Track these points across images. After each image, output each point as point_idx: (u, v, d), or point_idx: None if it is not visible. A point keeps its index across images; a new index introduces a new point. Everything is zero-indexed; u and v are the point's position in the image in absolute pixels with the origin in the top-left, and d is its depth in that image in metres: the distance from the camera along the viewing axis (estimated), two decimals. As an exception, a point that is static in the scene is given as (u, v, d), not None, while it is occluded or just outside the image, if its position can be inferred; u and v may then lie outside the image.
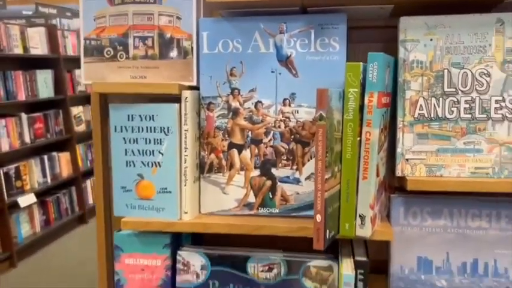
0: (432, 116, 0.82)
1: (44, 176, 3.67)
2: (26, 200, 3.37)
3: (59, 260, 3.32)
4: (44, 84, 3.66)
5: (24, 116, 3.44)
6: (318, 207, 0.71)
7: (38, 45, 3.62)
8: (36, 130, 3.58)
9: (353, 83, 0.75)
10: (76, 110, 4.10)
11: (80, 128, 4.16)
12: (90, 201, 4.22)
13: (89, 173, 4.23)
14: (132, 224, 0.89)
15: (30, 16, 4.47)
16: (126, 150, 0.89)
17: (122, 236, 0.92)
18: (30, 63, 3.57)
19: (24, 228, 3.41)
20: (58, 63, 3.80)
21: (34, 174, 3.55)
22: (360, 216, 0.77)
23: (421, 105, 0.82)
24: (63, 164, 3.89)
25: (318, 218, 0.71)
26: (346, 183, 0.77)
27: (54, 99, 3.79)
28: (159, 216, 0.89)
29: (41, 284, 2.95)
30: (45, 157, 3.68)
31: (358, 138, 0.76)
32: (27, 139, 3.47)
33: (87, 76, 0.91)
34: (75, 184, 4.02)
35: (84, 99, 4.29)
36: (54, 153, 3.79)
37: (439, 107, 0.81)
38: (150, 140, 0.88)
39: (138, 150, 0.88)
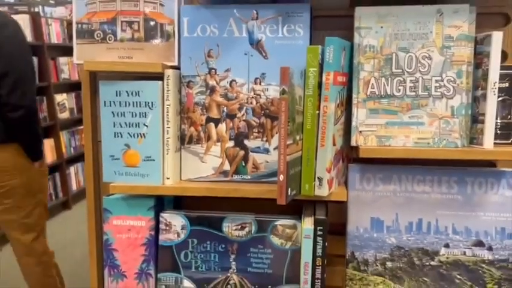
0: (382, 93, 0.95)
1: (28, 161, 3.73)
2: (11, 184, 3.42)
3: (44, 244, 3.39)
4: (28, 70, 3.70)
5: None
6: (281, 169, 0.83)
7: (22, 33, 3.66)
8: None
9: (312, 63, 0.87)
10: (60, 98, 4.16)
11: (64, 115, 4.22)
12: (74, 187, 4.29)
13: (72, 160, 4.30)
14: (120, 188, 1.00)
15: (13, 4, 4.49)
16: (114, 122, 1.00)
17: (111, 200, 1.03)
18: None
19: (9, 213, 3.47)
20: (42, 51, 3.85)
21: (18, 159, 3.60)
22: (318, 178, 0.90)
23: (372, 84, 0.94)
24: (47, 150, 3.95)
25: (281, 177, 0.83)
26: (307, 150, 0.89)
27: (38, 86, 3.83)
28: (144, 181, 1.00)
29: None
30: (30, 143, 3.74)
31: (317, 112, 0.88)
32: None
33: (79, 56, 1.01)
34: (59, 170, 4.09)
35: (68, 87, 4.35)
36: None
37: (388, 85, 0.94)
38: (136, 114, 0.99)
39: (125, 123, 0.99)
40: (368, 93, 0.95)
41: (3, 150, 1.93)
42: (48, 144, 3.96)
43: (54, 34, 4.16)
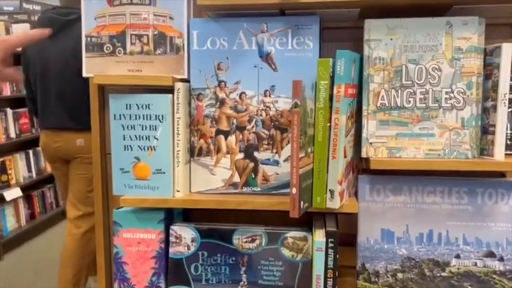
0: (392, 105, 0.95)
1: (29, 170, 3.72)
2: (12, 193, 3.42)
3: (44, 253, 3.38)
4: (30, 79, 3.70)
5: (9, 111, 3.49)
6: (294, 181, 0.83)
7: (23, 41, 3.66)
8: (22, 125, 3.64)
9: (323, 76, 0.87)
10: (60, 106, 4.14)
11: (65, 123, 4.21)
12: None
13: (73, 168, 4.28)
14: (130, 201, 1.00)
15: (12, 12, 4.49)
16: (124, 136, 1.00)
17: (121, 213, 1.03)
18: (14, 59, 3.60)
19: (10, 222, 3.46)
20: (43, 59, 3.84)
21: (19, 168, 3.60)
22: (329, 190, 0.90)
23: (382, 96, 0.95)
24: (49, 159, 3.94)
25: (294, 190, 0.83)
26: (318, 162, 0.89)
27: (39, 94, 3.83)
28: (154, 194, 1.00)
29: (27, 276, 3.01)
30: (30, 152, 3.74)
31: (328, 124, 0.89)
32: (12, 134, 3.53)
33: (89, 70, 1.01)
34: (60, 179, 4.08)
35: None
36: (39, 148, 3.83)
37: (398, 97, 0.94)
38: (146, 127, 0.99)
39: (135, 136, 0.99)
40: (378, 105, 0.95)
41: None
42: (49, 153, 3.95)
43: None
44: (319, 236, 0.93)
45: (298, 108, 0.82)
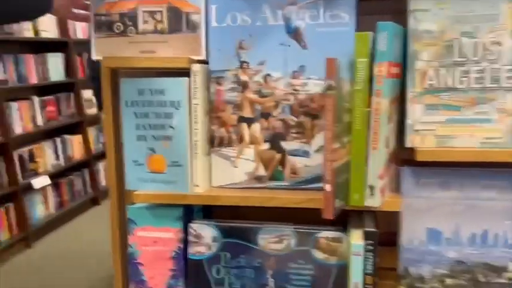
0: (442, 86, 0.81)
1: (57, 158, 3.72)
2: (40, 182, 3.42)
3: (73, 241, 3.39)
4: (55, 67, 3.68)
5: (36, 99, 3.48)
6: (327, 177, 0.71)
7: (48, 29, 3.63)
8: (49, 113, 3.62)
9: (362, 52, 0.75)
10: (87, 94, 4.13)
11: (91, 111, 4.20)
12: (103, 183, 4.27)
13: (100, 156, 4.28)
14: (145, 196, 0.90)
15: (39, 0, 4.47)
16: (137, 124, 0.90)
17: (135, 209, 0.94)
18: (40, 47, 3.60)
19: (39, 210, 3.47)
20: (68, 47, 3.81)
21: (47, 156, 3.60)
22: (369, 186, 0.78)
23: (430, 76, 0.81)
24: (76, 146, 3.94)
25: (327, 187, 0.72)
26: (356, 154, 0.77)
27: (65, 82, 3.81)
28: (170, 189, 0.90)
29: (56, 264, 3.02)
30: (58, 140, 3.73)
31: (368, 109, 0.76)
32: (39, 122, 3.52)
33: (98, 51, 0.91)
34: (88, 166, 4.08)
35: (95, 83, 4.31)
36: (67, 136, 3.83)
37: (449, 77, 0.81)
38: (160, 114, 0.89)
39: (149, 125, 0.89)
40: (425, 86, 0.82)
41: None
42: (76, 141, 3.95)
43: (80, 30, 4.12)
44: (356, 238, 0.81)
45: (332, 91, 0.70)
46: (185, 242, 0.93)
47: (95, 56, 0.91)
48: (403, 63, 0.84)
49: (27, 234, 3.24)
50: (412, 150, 0.85)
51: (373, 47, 0.75)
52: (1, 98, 3.07)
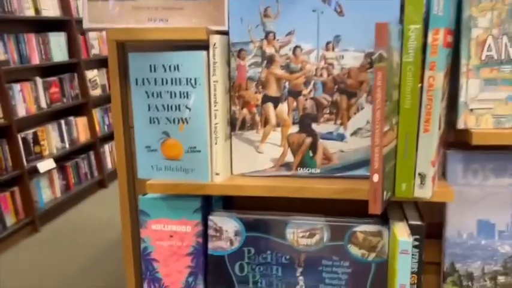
0: (503, 57, 0.70)
1: (62, 141, 3.63)
2: (45, 165, 3.35)
3: (80, 224, 3.32)
4: (58, 47, 3.56)
5: (39, 80, 3.37)
6: (376, 165, 0.61)
7: (49, 7, 3.50)
8: (52, 94, 3.52)
9: (414, 18, 0.63)
10: (91, 74, 4.02)
11: (96, 92, 4.09)
12: (109, 165, 4.20)
13: (106, 138, 4.19)
14: (159, 186, 0.80)
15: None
16: (149, 105, 0.79)
17: (148, 200, 0.84)
18: (42, 26, 3.47)
19: (45, 193, 3.41)
20: (71, 26, 3.69)
21: (52, 139, 3.51)
22: (419, 174, 0.67)
23: (489, 46, 0.70)
24: (81, 128, 3.85)
25: (375, 177, 0.61)
26: (405, 137, 0.66)
27: (69, 62, 3.70)
28: (188, 178, 0.80)
29: (64, 248, 2.96)
30: (62, 122, 3.64)
31: (420, 85, 0.65)
32: (43, 104, 3.42)
33: (92, 18, 0.78)
34: (94, 149, 3.99)
35: (99, 63, 4.20)
36: (71, 118, 3.74)
37: (511, 47, 0.69)
38: (175, 94, 0.78)
39: (163, 106, 0.79)
40: (483, 58, 0.70)
41: None
42: (81, 123, 3.85)
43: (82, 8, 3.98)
44: (402, 233, 0.71)
45: (383, 63, 0.58)
46: (204, 236, 0.84)
47: (87, 24, 0.79)
48: (456, 32, 0.72)
49: (34, 218, 3.18)
50: (462, 132, 0.74)
51: (427, 11, 0.64)
52: (3, 79, 2.96)
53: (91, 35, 4.03)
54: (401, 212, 0.79)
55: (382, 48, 0.58)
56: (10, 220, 3.02)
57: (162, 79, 0.78)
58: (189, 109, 0.78)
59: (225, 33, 0.78)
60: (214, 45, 0.75)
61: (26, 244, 3.04)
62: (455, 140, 0.81)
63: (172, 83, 0.78)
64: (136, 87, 0.79)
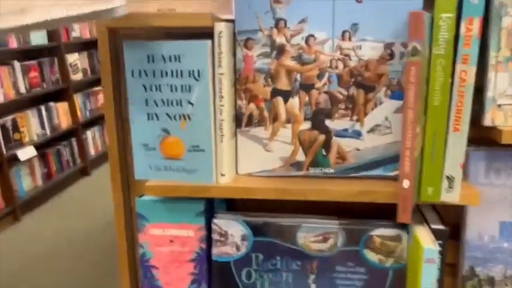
0: (536, 49, 0.64)
1: (43, 127, 3.51)
2: (26, 153, 3.23)
3: (63, 213, 3.23)
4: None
5: (17, 64, 3.23)
6: (407, 170, 0.55)
7: (26, -13, 3.33)
8: (31, 79, 3.38)
9: (447, 6, 0.57)
10: (71, 58, 3.87)
11: (77, 76, 3.95)
12: (92, 152, 4.08)
13: (88, 124, 4.07)
14: (159, 188, 0.73)
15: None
16: (147, 100, 0.72)
17: (146, 202, 0.77)
18: (19, 7, 3.30)
19: (26, 182, 3.29)
20: (49, 6, 3.52)
21: (32, 126, 3.38)
22: (447, 177, 0.62)
23: (522, 36, 0.64)
24: (62, 114, 3.72)
25: (406, 183, 0.56)
26: (432, 137, 0.61)
27: (48, 46, 3.55)
28: (190, 179, 0.73)
29: (46, 237, 2.87)
30: (43, 108, 3.50)
31: (450, 80, 0.59)
32: (22, 89, 3.28)
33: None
34: (75, 135, 3.87)
35: (80, 46, 4.05)
36: (52, 104, 3.61)
37: (545, 37, 0.64)
38: (176, 87, 0.71)
39: (162, 100, 0.72)
40: (514, 50, 0.65)
41: None
42: (62, 109, 3.72)
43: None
44: (427, 240, 0.66)
45: (418, 57, 0.52)
46: (208, 241, 0.78)
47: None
48: (484, 21, 0.66)
49: (15, 208, 3.08)
50: (486, 128, 0.69)
51: (460, -2, 0.57)
52: (-22, 64, 2.82)
53: (71, 16, 3.87)
54: (420, 214, 0.74)
55: (417, 40, 0.52)
56: (-11, 210, 2.92)
57: (162, 71, 0.70)
58: (192, 104, 0.71)
59: (231, 21, 0.71)
60: (220, 33, 0.68)
61: (6, 234, 2.94)
62: (475, 136, 0.76)
63: (173, 75, 0.70)
64: (133, 79, 0.72)
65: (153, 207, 0.77)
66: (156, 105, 0.72)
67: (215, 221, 0.76)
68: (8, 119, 3.13)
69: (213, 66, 0.69)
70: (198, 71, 0.69)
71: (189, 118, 0.71)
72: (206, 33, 0.69)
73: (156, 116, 0.72)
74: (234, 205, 0.87)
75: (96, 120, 4.16)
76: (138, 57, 0.71)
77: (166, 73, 0.70)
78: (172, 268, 0.79)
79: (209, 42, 0.68)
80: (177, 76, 0.70)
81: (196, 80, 0.70)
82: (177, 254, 0.78)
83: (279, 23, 0.70)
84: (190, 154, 0.73)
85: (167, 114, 0.72)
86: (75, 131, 3.87)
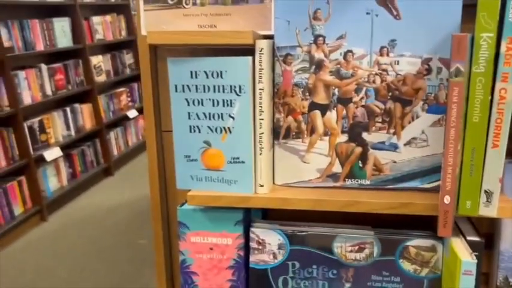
0: None
1: (68, 128, 3.58)
2: (52, 153, 3.30)
3: (87, 213, 3.30)
4: (62, 33, 3.48)
5: (44, 67, 3.30)
6: (448, 187, 0.57)
7: (52, -9, 3.42)
8: (57, 81, 3.45)
9: (487, 25, 0.58)
10: (95, 60, 3.94)
11: (100, 78, 4.02)
12: (115, 152, 4.15)
13: (112, 125, 4.14)
14: (200, 198, 0.76)
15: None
16: (189, 113, 0.75)
17: (187, 211, 0.80)
18: (46, 11, 3.39)
19: (52, 182, 3.37)
20: (75, 11, 3.60)
21: (58, 127, 3.46)
22: (485, 192, 0.63)
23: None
24: (86, 116, 3.79)
25: (447, 199, 0.57)
26: (471, 152, 0.62)
27: (73, 48, 3.62)
28: (230, 189, 0.76)
29: (71, 237, 2.94)
30: (68, 109, 3.58)
31: (489, 97, 0.61)
32: (48, 91, 3.35)
33: (149, 27, 0.75)
34: (99, 136, 3.94)
35: (103, 48, 4.12)
36: (77, 105, 3.68)
37: None
38: (218, 102, 0.73)
39: (204, 114, 0.74)
40: (552, 66, 0.66)
41: None
42: (86, 110, 3.79)
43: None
44: (464, 253, 0.67)
45: (460, 78, 0.54)
46: (246, 249, 0.80)
47: (144, 32, 0.75)
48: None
49: (42, 208, 3.15)
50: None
51: (500, 18, 0.59)
52: (8, 67, 2.90)
53: (95, 19, 3.94)
54: (455, 225, 0.76)
55: (459, 61, 0.53)
56: (18, 210, 2.99)
57: (204, 86, 0.73)
58: (233, 118, 0.73)
59: (270, 37, 0.73)
60: (261, 50, 0.70)
61: (34, 233, 3.02)
62: (511, 148, 0.77)
63: (215, 91, 0.73)
64: (176, 94, 0.75)
65: (194, 216, 0.80)
66: (198, 118, 0.75)
67: (253, 229, 0.79)
68: (35, 121, 3.21)
69: (253, 81, 0.72)
70: (240, 86, 0.72)
71: (230, 131, 0.74)
72: (247, 49, 0.71)
73: (198, 128, 0.75)
74: (268, 214, 0.89)
75: (119, 121, 4.23)
76: (182, 73, 0.73)
77: (209, 88, 0.73)
78: (211, 275, 0.82)
79: (250, 58, 0.71)
80: (219, 91, 0.73)
81: (238, 94, 0.72)
82: (216, 261, 0.81)
83: (317, 39, 0.72)
84: (230, 165, 0.75)
85: (209, 127, 0.75)
86: (99, 132, 3.94)
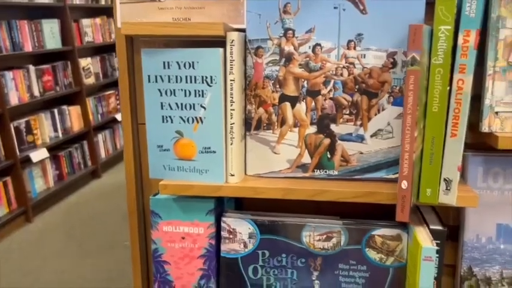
0: (531, 60, 0.68)
1: (55, 130, 3.57)
2: (39, 154, 3.29)
3: (74, 214, 3.29)
4: (51, 34, 3.49)
5: (32, 68, 3.30)
6: (405, 172, 0.59)
7: (42, -7, 3.42)
8: (45, 83, 3.45)
9: (445, 18, 0.61)
10: (84, 62, 3.94)
11: (89, 80, 4.02)
12: (103, 155, 4.15)
13: (100, 127, 4.14)
14: (172, 187, 0.78)
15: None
16: (162, 103, 0.77)
17: (159, 200, 0.82)
18: (35, 12, 3.39)
19: (38, 183, 3.36)
20: (64, 12, 3.60)
21: (45, 128, 3.45)
22: (445, 180, 0.65)
23: (518, 47, 0.68)
24: (74, 117, 3.79)
25: (404, 184, 0.59)
26: (431, 141, 0.64)
27: (62, 50, 3.62)
28: (202, 179, 0.77)
29: (58, 238, 2.93)
30: (56, 111, 3.57)
31: (448, 88, 0.63)
32: (36, 92, 3.35)
33: (124, 19, 0.77)
34: (87, 138, 3.94)
35: (93, 51, 4.12)
36: (65, 107, 3.67)
37: (540, 49, 0.67)
38: (190, 92, 0.75)
39: (176, 104, 0.76)
40: (510, 60, 0.68)
41: None
42: (74, 112, 3.79)
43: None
44: (425, 240, 0.69)
45: (416, 66, 0.56)
46: (217, 238, 0.82)
47: (119, 24, 0.77)
48: (482, 32, 0.70)
49: (27, 209, 3.14)
50: (482, 134, 0.72)
51: (458, 11, 0.61)
52: (-5, 67, 2.90)
53: (84, 22, 3.95)
54: (420, 215, 0.78)
55: (415, 50, 0.55)
56: (2, 211, 2.98)
57: (176, 77, 0.75)
58: (204, 108, 0.75)
59: (242, 30, 0.75)
60: (231, 42, 0.72)
61: (18, 235, 3.00)
62: (473, 141, 0.79)
63: (187, 81, 0.75)
64: (149, 84, 0.76)
65: (166, 206, 0.81)
66: (171, 108, 0.76)
67: (224, 219, 0.80)
68: (22, 122, 3.20)
69: (224, 72, 0.74)
70: (211, 77, 0.74)
71: (202, 121, 0.76)
72: (219, 41, 0.73)
73: (171, 119, 0.77)
74: (241, 205, 0.91)
75: (107, 124, 4.23)
76: (155, 64, 0.75)
77: (181, 78, 0.75)
78: (182, 264, 0.83)
79: (221, 50, 0.73)
80: (191, 81, 0.74)
81: (209, 85, 0.74)
82: (187, 250, 0.82)
83: (287, 33, 0.75)
84: (202, 155, 0.77)
85: (181, 118, 0.76)
86: (87, 134, 3.93)
